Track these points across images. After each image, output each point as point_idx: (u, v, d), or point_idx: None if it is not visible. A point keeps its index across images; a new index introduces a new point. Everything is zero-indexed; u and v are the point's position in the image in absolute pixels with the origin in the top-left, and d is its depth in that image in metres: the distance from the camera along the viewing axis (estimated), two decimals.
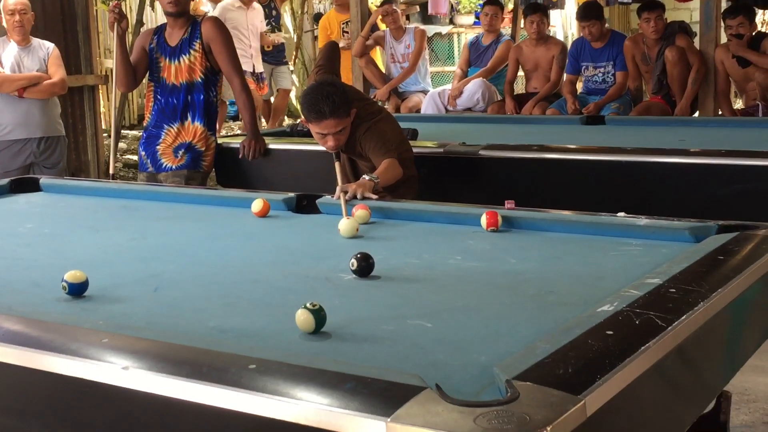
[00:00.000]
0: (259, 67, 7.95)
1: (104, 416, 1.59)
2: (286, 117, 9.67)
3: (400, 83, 7.17)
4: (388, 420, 1.26)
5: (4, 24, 5.40)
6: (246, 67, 7.71)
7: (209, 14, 7.41)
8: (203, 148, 4.41)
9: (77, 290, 2.03)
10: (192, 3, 5.81)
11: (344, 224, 2.61)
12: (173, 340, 1.64)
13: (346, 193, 3.00)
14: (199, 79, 4.37)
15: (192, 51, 4.34)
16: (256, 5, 7.99)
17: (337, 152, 3.65)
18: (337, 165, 3.58)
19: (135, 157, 8.70)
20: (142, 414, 1.53)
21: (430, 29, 10.26)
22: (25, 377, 1.64)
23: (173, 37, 4.37)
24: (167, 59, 4.38)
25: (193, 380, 1.45)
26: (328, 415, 1.32)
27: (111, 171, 4.87)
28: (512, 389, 1.34)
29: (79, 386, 1.56)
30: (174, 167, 4.37)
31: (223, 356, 1.53)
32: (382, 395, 1.34)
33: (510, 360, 1.49)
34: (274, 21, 8.75)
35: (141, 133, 4.79)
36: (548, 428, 1.23)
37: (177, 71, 4.36)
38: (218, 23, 4.49)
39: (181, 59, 4.35)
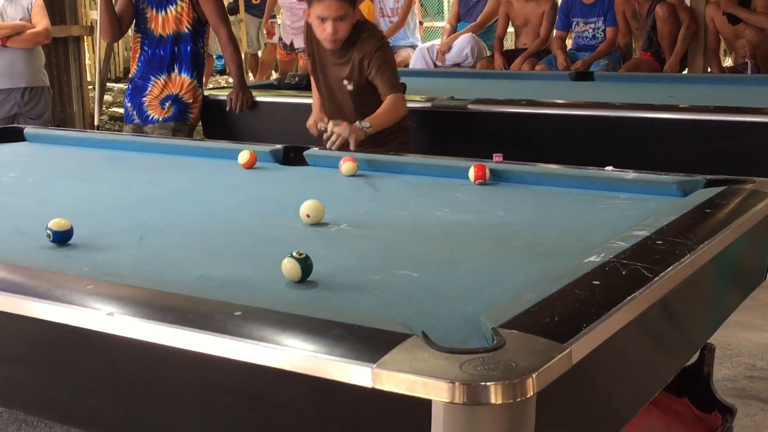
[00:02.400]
0: (298, 43, 7.87)
1: (89, 362, 1.59)
2: (273, 72, 9.60)
3: (389, 38, 7.10)
4: (374, 366, 1.26)
5: None
6: (285, 39, 7.70)
7: None
8: (190, 100, 4.37)
9: (62, 238, 2.01)
10: None
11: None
12: (159, 288, 1.63)
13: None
14: (187, 30, 4.32)
15: (179, 1, 4.29)
16: None
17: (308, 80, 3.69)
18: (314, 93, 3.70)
19: (121, 110, 8.63)
20: (127, 360, 1.53)
21: None
22: (9, 323, 1.63)
23: None
24: (154, 10, 4.32)
25: (178, 326, 1.45)
26: (314, 361, 1.32)
27: (96, 123, 4.83)
28: (498, 337, 1.34)
29: (63, 332, 1.56)
30: (161, 119, 4.34)
31: (208, 303, 1.53)
32: (368, 342, 1.34)
33: (496, 309, 1.49)
34: None
35: (125, 86, 4.75)
36: (534, 375, 1.23)
37: (164, 22, 4.31)
38: None
39: (168, 10, 4.30)
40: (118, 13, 4.40)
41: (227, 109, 4.43)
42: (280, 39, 7.93)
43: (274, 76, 9.04)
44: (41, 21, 5.37)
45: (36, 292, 1.62)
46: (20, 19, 5.30)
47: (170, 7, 4.30)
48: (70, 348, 1.59)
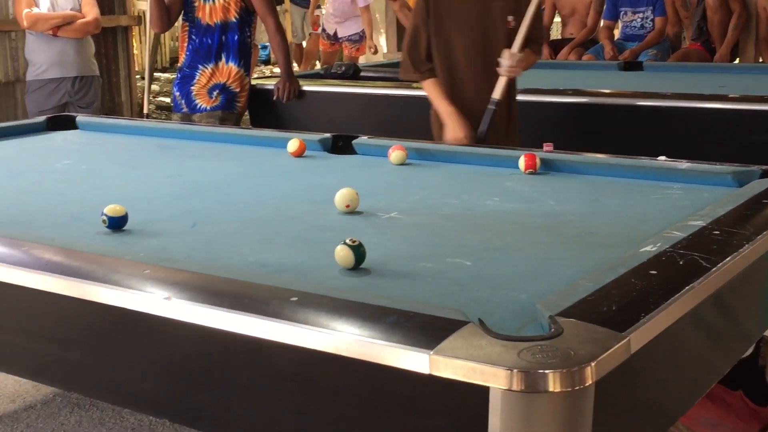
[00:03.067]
0: (343, 33, 7.90)
1: (146, 346, 1.61)
2: (317, 62, 9.61)
3: None
4: (431, 353, 1.26)
5: None
6: (329, 29, 7.75)
7: None
8: (237, 89, 4.40)
9: (117, 224, 2.04)
10: None
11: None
12: (213, 273, 1.65)
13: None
14: (234, 19, 4.34)
15: None
16: None
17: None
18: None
19: (167, 99, 8.72)
20: (183, 344, 1.55)
21: None
22: (67, 307, 1.66)
23: None
24: None
25: (234, 311, 1.46)
26: (371, 347, 1.32)
27: (145, 111, 4.87)
28: (555, 325, 1.33)
29: (121, 316, 1.58)
30: (208, 108, 4.37)
31: (264, 288, 1.54)
32: (425, 329, 1.34)
33: (552, 297, 1.48)
34: None
35: (172, 76, 4.79)
36: (593, 364, 1.22)
37: (212, 11, 4.33)
38: None
39: None
40: (167, 3, 4.43)
41: (274, 98, 4.45)
42: (324, 29, 7.96)
43: (318, 66, 9.06)
44: (91, 11, 5.43)
45: (94, 276, 1.64)
46: (71, 9, 5.36)
47: None
48: (128, 331, 1.62)
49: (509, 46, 3.36)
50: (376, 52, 8.01)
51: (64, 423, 2.88)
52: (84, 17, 5.37)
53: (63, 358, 1.73)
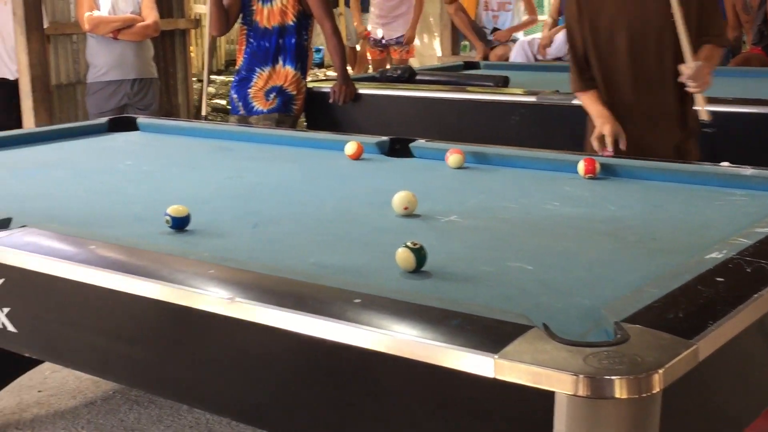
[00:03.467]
0: (389, 35, 7.87)
1: (209, 345, 1.63)
2: (370, 65, 9.63)
3: (518, 31, 7.06)
4: (496, 356, 1.26)
5: None
6: (375, 33, 7.74)
7: None
8: (294, 92, 4.43)
9: (180, 224, 2.06)
10: None
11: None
12: (276, 274, 1.66)
13: None
14: (291, 23, 4.38)
15: None
16: None
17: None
18: None
19: (223, 102, 8.82)
20: (247, 344, 1.57)
21: None
22: (134, 305, 1.68)
23: None
24: (260, 2, 4.39)
25: (298, 312, 1.47)
26: (435, 350, 1.32)
27: (203, 113, 4.92)
28: (621, 331, 1.32)
29: (185, 315, 1.60)
30: (265, 110, 4.41)
31: (327, 290, 1.55)
32: (489, 332, 1.34)
33: (617, 303, 1.47)
34: None
35: (227, 78, 4.83)
36: (660, 371, 1.21)
37: (269, 14, 4.37)
38: None
39: (274, 2, 4.36)
40: (225, 7, 4.49)
41: (330, 101, 4.47)
42: (371, 36, 7.94)
43: (371, 70, 9.08)
44: (151, 14, 5.52)
45: (160, 275, 1.67)
46: (131, 13, 5.45)
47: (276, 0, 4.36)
48: (191, 330, 1.64)
49: (673, 40, 3.00)
50: (409, 42, 7.84)
51: (123, 419, 2.93)
52: (144, 20, 5.46)
53: (129, 356, 1.75)
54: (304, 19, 4.43)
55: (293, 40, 4.39)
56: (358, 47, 9.46)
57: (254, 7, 4.41)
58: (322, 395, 1.49)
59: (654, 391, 1.20)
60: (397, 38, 7.83)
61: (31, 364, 2.95)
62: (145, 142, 3.43)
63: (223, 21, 4.50)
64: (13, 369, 2.96)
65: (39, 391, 3.15)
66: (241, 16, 4.52)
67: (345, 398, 1.46)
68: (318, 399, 1.49)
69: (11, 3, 5.15)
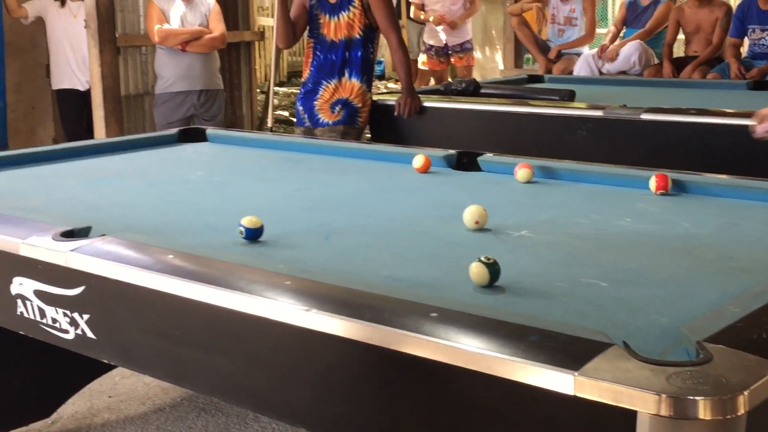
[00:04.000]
0: (453, 41, 7.79)
1: (286, 355, 1.65)
2: (431, 78, 9.64)
3: (572, 48, 6.99)
4: (576, 373, 1.25)
5: None
6: (436, 42, 7.66)
7: None
8: (359, 105, 4.46)
9: (253, 235, 2.09)
10: None
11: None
12: (350, 286, 1.67)
13: None
14: (358, 36, 4.41)
15: (351, 8, 4.38)
16: None
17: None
18: None
19: (285, 113, 8.92)
20: (323, 355, 1.58)
21: None
22: (210, 315, 1.71)
23: None
24: (327, 16, 4.43)
25: (375, 324, 1.48)
26: (513, 366, 1.32)
27: (269, 124, 4.98)
28: (704, 351, 1.30)
29: (262, 325, 1.62)
30: (331, 122, 4.44)
31: (403, 303, 1.56)
32: (568, 349, 1.33)
33: (698, 322, 1.45)
34: None
35: (290, 90, 4.87)
36: (745, 392, 1.19)
37: (336, 28, 4.41)
38: None
39: (341, 16, 4.40)
40: (292, 20, 4.54)
41: (395, 114, 4.49)
42: (430, 46, 7.79)
43: (433, 82, 9.08)
44: (218, 27, 5.62)
45: (237, 286, 1.69)
46: (198, 25, 5.56)
47: (343, 13, 4.40)
48: (268, 340, 1.66)
49: None
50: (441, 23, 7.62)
51: (191, 427, 2.97)
52: (211, 33, 5.56)
53: (204, 364, 1.78)
54: (371, 32, 4.46)
55: (359, 53, 4.43)
56: (419, 59, 9.47)
57: (321, 21, 4.46)
58: (399, 408, 1.50)
59: (739, 413, 1.19)
60: (462, 44, 7.72)
61: (103, 369, 3.02)
62: (214, 153, 3.48)
63: (290, 33, 4.55)
64: (86, 374, 3.03)
65: (109, 397, 3.21)
66: (307, 29, 4.57)
67: (424, 411, 1.46)
68: (395, 412, 1.50)
69: (81, 16, 5.28)
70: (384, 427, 1.53)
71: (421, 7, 7.77)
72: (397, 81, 10.75)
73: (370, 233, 2.21)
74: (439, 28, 7.62)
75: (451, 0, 7.56)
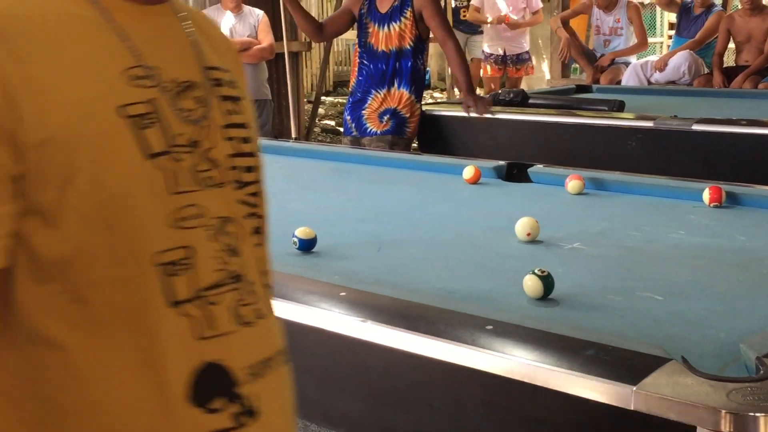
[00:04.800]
0: (511, 50, 7.76)
1: (341, 365, 1.67)
2: (477, 87, 9.63)
3: (626, 56, 6.96)
4: (635, 388, 1.25)
5: None
6: (494, 50, 7.66)
7: None
8: (408, 115, 4.47)
9: (307, 246, 2.12)
10: None
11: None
12: (404, 297, 1.69)
13: None
14: (408, 47, 4.43)
15: (403, 18, 4.40)
16: None
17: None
18: None
19: (331, 123, 8.97)
20: (378, 365, 1.60)
21: None
22: None
23: (384, 4, 4.43)
24: (377, 25, 4.45)
25: (430, 336, 1.49)
26: (570, 380, 1.33)
27: (293, 135, 4.99)
28: (764, 367, 1.30)
29: (318, 335, 1.65)
30: (379, 132, 4.46)
31: (458, 315, 1.57)
32: (626, 363, 1.33)
33: (757, 337, 1.45)
34: None
35: (336, 100, 4.89)
36: None
37: (386, 38, 4.44)
38: None
39: (392, 26, 4.42)
40: (334, 17, 4.57)
41: (468, 113, 4.43)
42: (489, 54, 7.78)
43: (479, 91, 9.06)
44: (266, 38, 5.68)
45: (292, 297, 1.71)
46: (248, 35, 5.62)
47: (394, 23, 4.42)
48: (324, 350, 1.68)
49: None
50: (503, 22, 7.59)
51: None
52: (260, 43, 5.62)
53: None
54: (420, 43, 4.48)
55: (409, 64, 4.44)
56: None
57: (370, 30, 4.48)
58: (456, 419, 1.51)
59: None
60: (519, 54, 7.67)
61: None
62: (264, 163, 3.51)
63: (312, 24, 4.59)
64: None
65: None
66: (357, 36, 4.59)
67: (480, 424, 1.47)
68: (452, 421, 1.51)
69: None
70: None
71: (478, 11, 7.76)
72: (442, 90, 10.77)
73: (421, 245, 2.22)
74: (495, 34, 7.58)
75: (512, 6, 7.53)
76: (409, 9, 4.37)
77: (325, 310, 1.64)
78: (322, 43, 8.60)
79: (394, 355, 1.54)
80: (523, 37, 7.74)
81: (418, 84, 4.51)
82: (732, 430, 1.18)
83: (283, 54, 7.03)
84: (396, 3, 4.39)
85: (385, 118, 4.46)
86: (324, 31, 4.64)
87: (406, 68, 4.43)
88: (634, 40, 7.01)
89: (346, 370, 1.65)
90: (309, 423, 1.82)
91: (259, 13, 5.74)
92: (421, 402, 1.56)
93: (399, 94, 4.45)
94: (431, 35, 4.49)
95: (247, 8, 5.70)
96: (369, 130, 4.50)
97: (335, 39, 8.63)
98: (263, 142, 3.73)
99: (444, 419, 1.52)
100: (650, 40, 8.58)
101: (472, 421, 1.48)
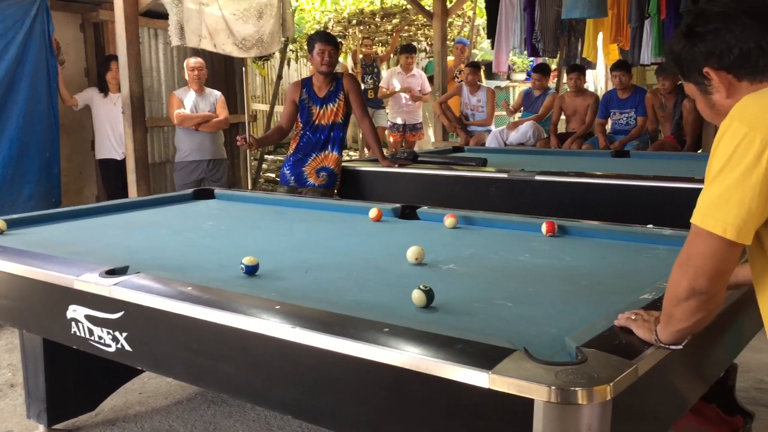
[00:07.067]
0: (410, 120, 8.03)
1: (277, 362, 1.65)
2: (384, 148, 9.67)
3: (478, 126, 7.18)
4: (490, 372, 1.29)
5: (186, 77, 5.60)
6: (396, 120, 7.95)
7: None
8: (337, 171, 4.50)
9: (251, 271, 2.10)
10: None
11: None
12: (325, 309, 1.69)
13: None
14: (340, 120, 4.48)
15: (337, 100, 4.44)
16: (416, 71, 8.08)
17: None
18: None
19: (272, 175, 8.89)
20: (305, 361, 1.59)
21: (493, 83, 10.20)
22: (219, 332, 1.71)
23: (322, 90, 4.46)
24: (317, 106, 4.48)
25: (342, 338, 1.50)
26: (444, 366, 1.35)
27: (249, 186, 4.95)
28: (581, 354, 1.35)
29: (260, 339, 1.63)
30: (316, 184, 4.47)
31: (364, 321, 1.58)
32: (484, 354, 1.37)
33: (577, 332, 1.50)
34: (375, 77, 8.80)
35: (275, 158, 4.84)
36: (611, 384, 1.24)
37: (324, 114, 4.47)
38: (354, 79, 4.59)
39: (328, 106, 4.46)
40: (286, 114, 4.56)
41: (396, 165, 4.53)
42: (393, 124, 8.11)
43: (386, 152, 9.12)
44: (223, 112, 5.62)
45: (240, 310, 1.71)
46: (208, 111, 5.56)
47: (331, 104, 4.47)
48: (263, 350, 1.67)
49: None
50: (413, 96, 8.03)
51: (203, 415, 2.93)
52: (218, 117, 5.57)
53: (215, 368, 1.78)
54: (346, 118, 4.54)
55: (340, 134, 4.50)
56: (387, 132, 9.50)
57: (313, 110, 4.49)
58: (362, 400, 1.51)
59: (607, 399, 1.23)
60: (414, 124, 8.07)
61: (135, 373, 2.97)
62: (221, 208, 3.48)
63: (281, 134, 4.65)
64: (122, 377, 2.98)
65: (140, 393, 3.16)
66: (299, 116, 4.54)
67: (379, 403, 1.48)
68: (359, 402, 1.52)
69: (119, 104, 5.25)
70: (352, 414, 1.54)
71: (386, 88, 8.05)
72: (355, 150, 10.81)
73: (338, 268, 2.22)
74: (398, 110, 7.87)
75: (411, 83, 7.89)
76: (342, 92, 4.44)
77: (264, 320, 1.63)
78: (265, 114, 8.62)
79: (317, 352, 1.54)
80: (418, 111, 7.99)
81: (343, 147, 4.56)
82: (559, 400, 1.22)
83: (236, 123, 6.98)
84: (332, 88, 4.44)
85: (322, 174, 4.47)
86: (286, 128, 4.64)
87: (338, 137, 4.48)
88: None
89: (281, 365, 1.64)
90: (255, 405, 1.79)
91: (217, 94, 5.69)
92: (338, 387, 1.56)
93: (332, 156, 4.49)
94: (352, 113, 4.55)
95: (208, 90, 5.65)
96: (309, 182, 4.49)
97: (274, 113, 8.65)
98: (220, 191, 3.70)
99: (353, 400, 1.53)
100: (505, 114, 8.78)
101: (372, 402, 1.49)
